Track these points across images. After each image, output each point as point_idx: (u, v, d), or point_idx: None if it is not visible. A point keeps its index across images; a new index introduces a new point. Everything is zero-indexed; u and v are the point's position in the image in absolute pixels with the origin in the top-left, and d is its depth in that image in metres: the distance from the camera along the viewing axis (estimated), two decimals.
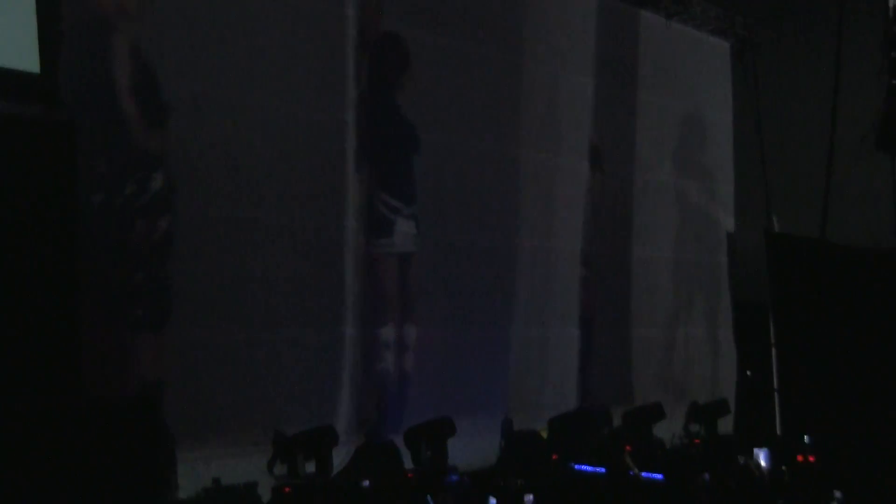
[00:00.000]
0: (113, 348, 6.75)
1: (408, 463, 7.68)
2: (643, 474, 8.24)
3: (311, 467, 7.04)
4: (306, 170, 7.87)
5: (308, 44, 7.88)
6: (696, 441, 9.38)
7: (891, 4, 9.63)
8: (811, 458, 8.81)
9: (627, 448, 8.49)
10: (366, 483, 7.04)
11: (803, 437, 8.97)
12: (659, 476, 8.14)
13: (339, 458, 7.49)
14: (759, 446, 8.84)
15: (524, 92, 9.76)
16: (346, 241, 8.14)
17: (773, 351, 10.33)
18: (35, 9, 5.69)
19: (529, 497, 7.39)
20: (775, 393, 10.32)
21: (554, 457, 8.47)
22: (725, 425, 10.19)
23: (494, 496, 7.55)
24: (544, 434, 8.93)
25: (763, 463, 8.58)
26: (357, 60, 8.20)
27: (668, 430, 9.71)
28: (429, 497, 7.09)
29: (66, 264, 5.55)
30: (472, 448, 8.37)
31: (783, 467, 8.66)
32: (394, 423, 8.24)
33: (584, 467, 8.35)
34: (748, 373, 11.33)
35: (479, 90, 9.27)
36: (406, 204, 8.63)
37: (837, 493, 7.97)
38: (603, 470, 8.25)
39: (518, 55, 9.69)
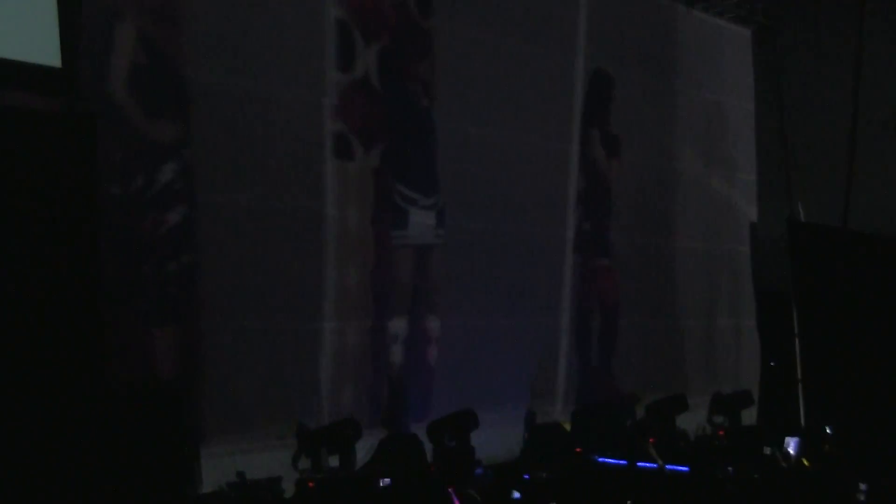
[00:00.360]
0: (132, 342, 6.74)
1: (431, 456, 7.65)
2: (667, 466, 8.21)
3: (334, 461, 7.02)
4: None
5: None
6: (721, 432, 9.32)
7: None
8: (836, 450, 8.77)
9: (651, 440, 8.45)
10: (387, 481, 7.00)
11: (825, 428, 8.92)
12: (684, 468, 8.10)
13: (363, 451, 7.46)
14: (786, 436, 8.78)
15: (545, 82, 9.70)
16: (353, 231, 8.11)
17: (797, 341, 10.27)
18: (56, 3, 5.66)
19: None
20: (799, 383, 10.26)
21: (577, 449, 8.44)
22: (749, 416, 10.13)
23: (518, 489, 7.53)
24: (567, 426, 8.90)
25: (793, 452, 8.52)
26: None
27: (692, 422, 9.65)
28: (451, 491, 7.05)
29: (88, 257, 5.53)
30: (496, 440, 8.35)
31: (804, 459, 8.60)
32: (418, 416, 8.21)
33: (607, 460, 8.32)
34: (772, 363, 11.27)
35: (501, 80, 9.22)
36: (424, 195, 8.57)
37: (863, 486, 7.90)
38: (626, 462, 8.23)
39: (539, 44, 9.62)
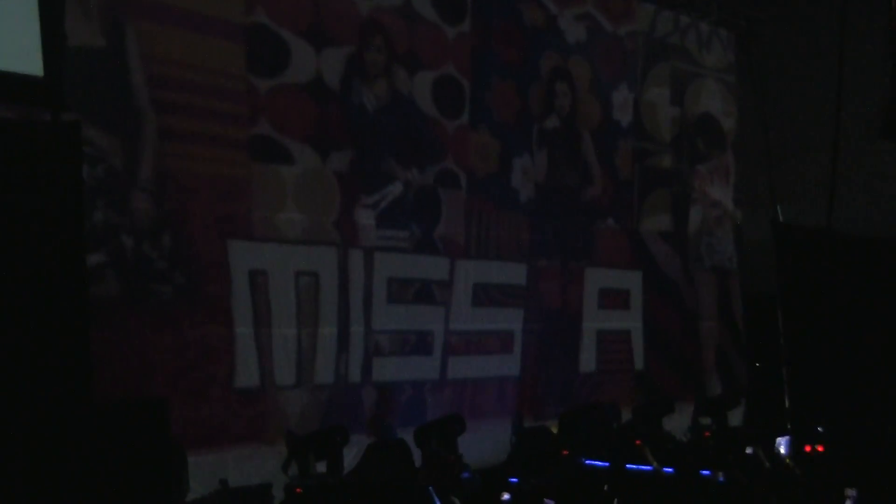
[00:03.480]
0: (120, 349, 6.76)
1: (418, 460, 7.67)
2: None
3: (322, 467, 7.03)
4: None
5: None
6: (706, 434, 9.34)
7: None
8: (820, 448, 8.75)
9: (637, 442, 8.46)
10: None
11: (816, 430, 8.90)
12: (670, 469, 8.12)
13: (350, 456, 7.48)
14: (772, 437, 8.79)
15: None
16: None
17: (782, 341, 10.28)
18: (38, 12, 5.64)
19: (550, 502, 7.36)
20: (785, 384, 10.27)
21: (564, 452, 8.44)
22: (735, 417, 10.15)
23: (506, 492, 7.53)
24: (554, 430, 8.91)
25: (784, 451, 8.51)
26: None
27: (679, 424, 9.68)
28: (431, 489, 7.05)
29: (74, 268, 5.51)
30: (484, 444, 8.37)
31: (788, 460, 8.60)
32: (408, 422, 8.22)
33: (594, 462, 8.32)
34: (757, 364, 11.29)
35: None
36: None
37: (851, 492, 7.84)
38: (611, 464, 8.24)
39: None
